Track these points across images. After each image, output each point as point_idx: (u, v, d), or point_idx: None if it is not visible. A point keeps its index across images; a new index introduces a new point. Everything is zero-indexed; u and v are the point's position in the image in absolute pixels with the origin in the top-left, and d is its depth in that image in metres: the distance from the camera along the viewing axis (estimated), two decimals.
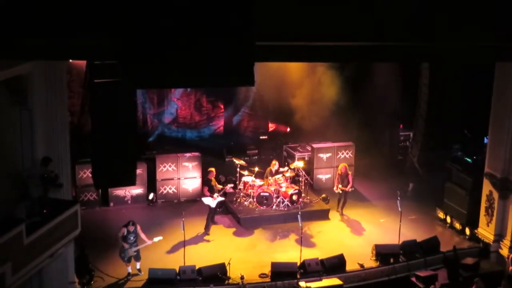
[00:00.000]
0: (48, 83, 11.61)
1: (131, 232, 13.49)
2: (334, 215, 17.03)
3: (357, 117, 19.34)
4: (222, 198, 16.25)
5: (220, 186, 16.24)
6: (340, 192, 16.85)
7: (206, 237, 15.56)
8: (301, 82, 19.96)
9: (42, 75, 11.42)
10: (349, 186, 16.76)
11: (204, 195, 15.97)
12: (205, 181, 16.30)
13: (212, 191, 15.83)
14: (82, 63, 15.86)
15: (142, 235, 13.72)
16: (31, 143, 11.42)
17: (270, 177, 17.16)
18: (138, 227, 13.69)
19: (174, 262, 13.99)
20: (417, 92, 19.61)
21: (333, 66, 19.33)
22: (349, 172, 16.97)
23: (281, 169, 17.43)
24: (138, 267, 13.79)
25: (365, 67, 19.56)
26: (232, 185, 16.94)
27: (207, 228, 15.75)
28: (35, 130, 11.46)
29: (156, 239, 13.81)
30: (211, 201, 15.78)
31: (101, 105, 7.43)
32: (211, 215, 16.00)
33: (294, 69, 19.96)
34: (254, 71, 5.21)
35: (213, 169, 16.15)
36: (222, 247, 15.09)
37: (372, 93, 19.52)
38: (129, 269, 13.67)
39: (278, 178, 17.09)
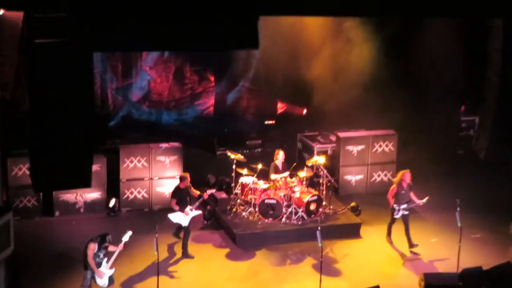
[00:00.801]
0: None
1: (103, 248, 13.32)
2: (367, 231, 17.08)
3: (401, 96, 19.36)
4: (199, 212, 16.06)
5: (197, 192, 15.92)
6: (399, 215, 16.21)
7: (188, 260, 15.59)
8: (323, 45, 19.95)
9: None
10: (419, 201, 16.16)
11: (172, 210, 15.60)
12: (174, 191, 15.86)
13: (182, 204, 15.52)
14: (17, 15, 15.82)
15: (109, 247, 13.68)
16: None
17: (275, 175, 17.10)
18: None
19: None
20: (486, 60, 19.59)
21: (367, 21, 19.25)
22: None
23: (282, 175, 17.05)
24: None
25: (414, 23, 19.46)
26: (213, 190, 16.70)
27: (184, 253, 15.68)
28: None
29: (124, 238, 13.61)
30: (182, 218, 15.54)
31: (44, 75, 7.41)
32: (187, 236, 15.70)
33: (314, 27, 19.92)
34: (259, 29, 5.21)
35: (187, 174, 15.90)
36: (210, 274, 15.13)
37: (423, 61, 19.47)
38: None
39: (289, 180, 17.10)
